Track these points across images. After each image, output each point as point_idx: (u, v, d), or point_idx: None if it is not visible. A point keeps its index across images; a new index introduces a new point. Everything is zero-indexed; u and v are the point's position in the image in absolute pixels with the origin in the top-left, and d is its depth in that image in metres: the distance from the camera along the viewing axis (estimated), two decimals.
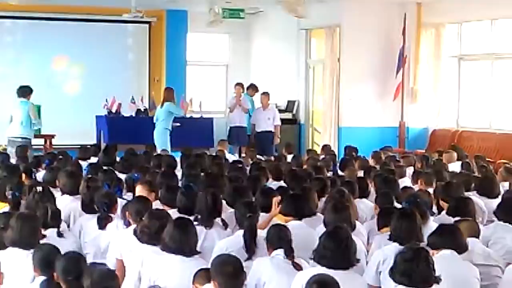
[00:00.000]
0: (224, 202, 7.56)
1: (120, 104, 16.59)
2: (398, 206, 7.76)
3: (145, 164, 11.07)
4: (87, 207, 7.69)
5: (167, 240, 5.88)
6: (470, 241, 6.25)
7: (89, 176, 8.96)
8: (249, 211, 6.63)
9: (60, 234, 6.71)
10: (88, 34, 18.75)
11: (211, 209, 6.98)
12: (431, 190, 8.83)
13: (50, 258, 5.30)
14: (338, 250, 5.39)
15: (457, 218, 7.21)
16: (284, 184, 9.41)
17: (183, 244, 5.85)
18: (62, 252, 5.60)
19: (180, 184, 8.88)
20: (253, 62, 21.17)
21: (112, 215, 7.40)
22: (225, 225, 7.07)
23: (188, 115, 17.05)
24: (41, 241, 6.45)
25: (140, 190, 7.97)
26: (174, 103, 15.42)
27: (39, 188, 7.68)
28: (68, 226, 7.52)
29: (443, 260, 5.67)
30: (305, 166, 11.50)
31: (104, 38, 18.92)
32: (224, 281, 5.03)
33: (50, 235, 6.64)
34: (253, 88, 18.15)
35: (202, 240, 6.62)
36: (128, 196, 8.40)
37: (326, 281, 4.75)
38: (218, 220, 7.05)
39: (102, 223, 7.29)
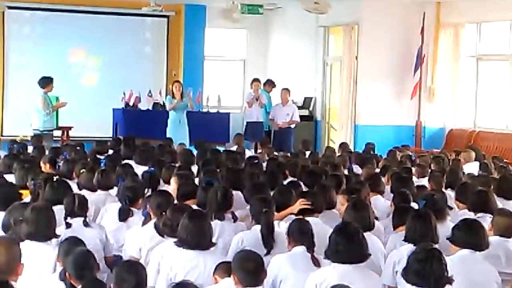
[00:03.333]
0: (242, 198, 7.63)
1: (138, 98, 16.63)
2: (414, 205, 7.74)
3: (161, 157, 11.08)
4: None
5: (183, 233, 5.88)
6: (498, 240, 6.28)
7: (103, 168, 8.97)
8: (265, 207, 6.65)
9: (86, 224, 6.75)
10: (106, 27, 18.80)
11: (221, 203, 7.03)
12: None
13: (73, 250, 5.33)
14: (350, 245, 5.43)
15: (480, 214, 7.24)
16: (296, 180, 9.37)
17: (199, 235, 5.87)
18: (87, 241, 5.63)
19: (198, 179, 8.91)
20: (270, 58, 21.16)
21: (134, 209, 7.43)
22: (234, 218, 7.13)
23: (204, 110, 17.09)
24: (67, 230, 6.52)
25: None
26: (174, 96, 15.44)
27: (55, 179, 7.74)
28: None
29: (461, 261, 5.69)
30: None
31: (122, 31, 18.96)
32: (244, 276, 5.07)
33: (76, 225, 6.70)
34: (270, 84, 18.14)
35: (217, 233, 6.65)
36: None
37: None
38: (229, 214, 7.13)
39: (123, 216, 7.33)
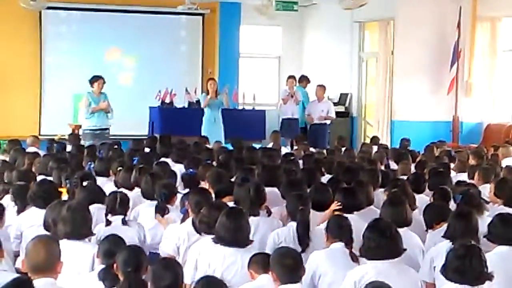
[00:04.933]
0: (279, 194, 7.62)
1: (174, 95, 16.66)
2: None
3: (197, 155, 11.11)
4: (147, 195, 7.81)
5: (220, 231, 5.90)
6: None
7: (141, 166, 9.01)
8: (300, 204, 6.64)
9: (124, 222, 6.79)
10: (141, 26, 18.86)
11: (254, 198, 7.06)
12: (487, 185, 8.72)
13: (113, 248, 5.38)
14: (382, 240, 5.42)
15: None
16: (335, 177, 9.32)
17: (237, 233, 5.89)
18: (126, 240, 5.67)
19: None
20: (305, 55, 21.12)
21: (169, 206, 7.46)
22: (268, 212, 7.16)
23: (240, 107, 17.09)
24: (107, 228, 6.59)
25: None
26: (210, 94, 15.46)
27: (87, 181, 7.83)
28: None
29: (501, 257, 5.64)
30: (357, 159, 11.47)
31: (158, 30, 19.01)
32: (283, 273, 5.06)
33: (115, 223, 6.75)
34: (304, 79, 18.19)
35: (253, 230, 6.65)
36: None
37: None
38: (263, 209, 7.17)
39: (160, 213, 7.37)
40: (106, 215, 6.85)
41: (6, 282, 4.32)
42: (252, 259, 5.49)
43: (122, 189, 8.30)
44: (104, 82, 14.56)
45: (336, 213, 6.86)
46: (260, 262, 5.39)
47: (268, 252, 5.74)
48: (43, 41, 18.34)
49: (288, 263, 5.09)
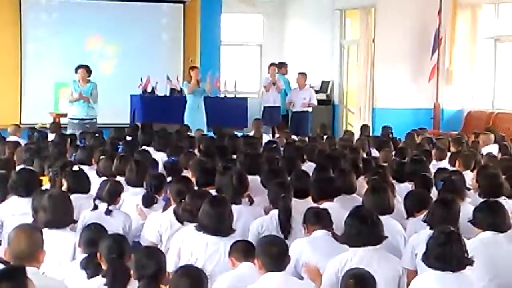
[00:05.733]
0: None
1: (156, 84, 16.61)
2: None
3: (178, 143, 11.08)
4: (131, 183, 7.81)
5: (203, 219, 5.89)
6: None
7: (122, 155, 8.99)
8: (282, 191, 6.65)
9: (108, 212, 6.77)
10: (122, 14, 18.76)
11: (237, 187, 7.06)
12: (468, 172, 8.77)
13: (95, 237, 5.38)
14: (363, 227, 5.46)
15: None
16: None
17: (220, 221, 5.88)
18: (110, 230, 5.67)
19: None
20: (287, 43, 21.12)
21: (157, 196, 7.45)
22: (250, 200, 7.17)
23: (222, 95, 17.08)
24: (92, 214, 6.59)
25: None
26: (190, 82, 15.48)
27: (75, 168, 7.78)
28: None
29: (483, 243, 5.68)
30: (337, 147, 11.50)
31: (139, 18, 18.90)
32: (268, 261, 5.05)
33: (101, 210, 6.75)
34: (283, 66, 18.19)
35: (235, 218, 6.64)
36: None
37: (363, 275, 4.79)
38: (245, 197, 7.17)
39: (148, 202, 7.35)
40: (94, 200, 6.85)
41: None
42: (233, 247, 5.48)
43: (103, 178, 8.29)
44: (88, 72, 14.53)
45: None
46: (242, 250, 5.39)
47: (250, 240, 5.75)
48: (24, 29, 18.17)
49: (274, 251, 5.07)
